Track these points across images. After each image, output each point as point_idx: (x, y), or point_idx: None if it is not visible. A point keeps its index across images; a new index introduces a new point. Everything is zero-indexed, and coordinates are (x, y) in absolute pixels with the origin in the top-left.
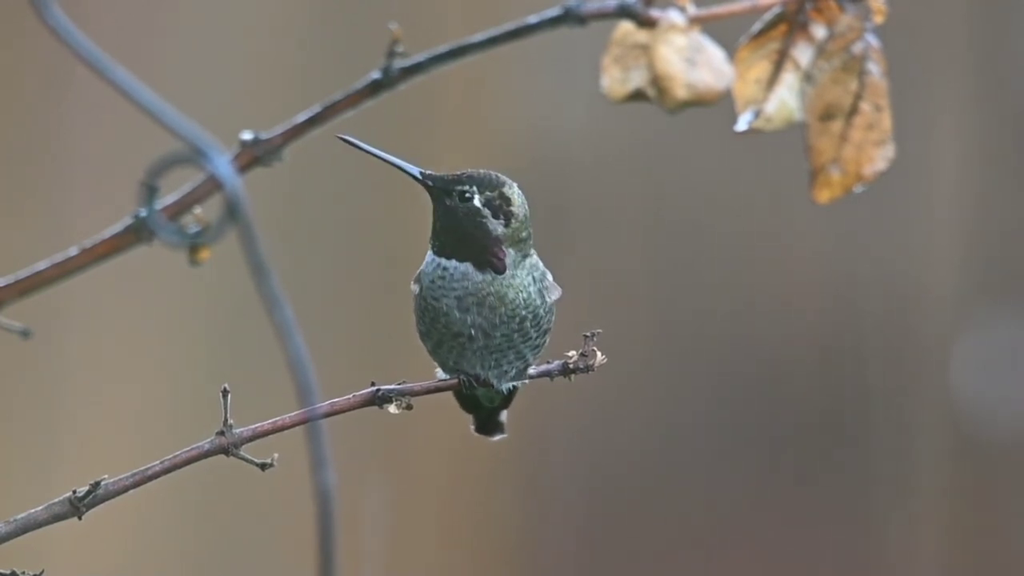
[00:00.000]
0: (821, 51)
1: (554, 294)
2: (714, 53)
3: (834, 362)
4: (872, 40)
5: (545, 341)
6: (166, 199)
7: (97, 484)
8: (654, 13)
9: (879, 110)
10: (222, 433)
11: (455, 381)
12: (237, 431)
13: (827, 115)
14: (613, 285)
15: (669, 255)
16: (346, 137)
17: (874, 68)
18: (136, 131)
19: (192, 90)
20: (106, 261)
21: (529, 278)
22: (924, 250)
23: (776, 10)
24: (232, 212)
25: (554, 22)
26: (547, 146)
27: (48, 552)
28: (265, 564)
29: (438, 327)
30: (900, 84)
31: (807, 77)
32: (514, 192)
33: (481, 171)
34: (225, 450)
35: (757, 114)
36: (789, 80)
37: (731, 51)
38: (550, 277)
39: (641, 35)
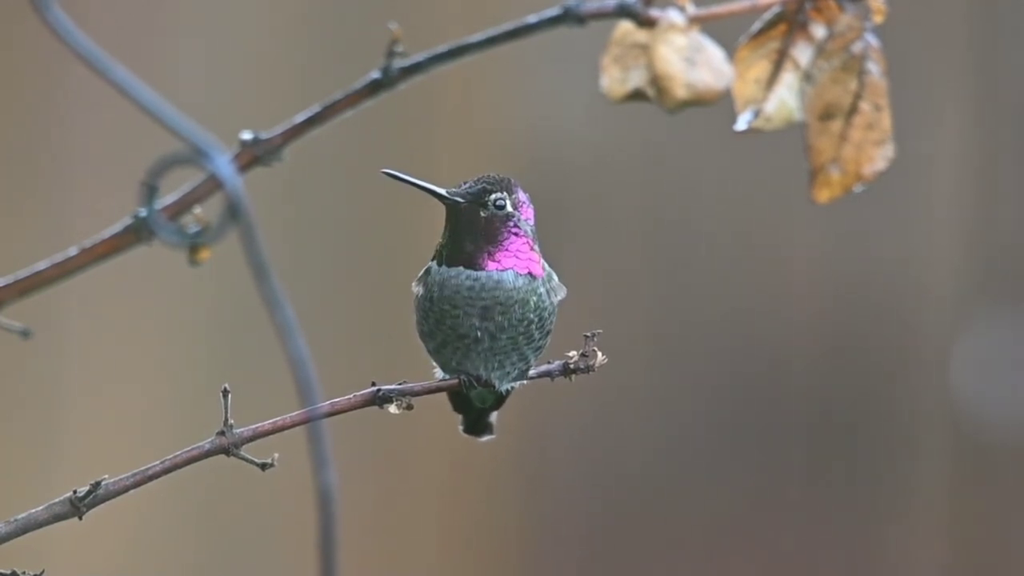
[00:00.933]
0: (821, 51)
1: (559, 295)
2: (714, 53)
3: (834, 362)
4: (872, 40)
5: (547, 342)
6: (166, 199)
7: (97, 484)
8: (654, 13)
9: (879, 110)
10: (222, 433)
11: (455, 381)
12: (237, 431)
13: (827, 115)
14: (613, 285)
15: (669, 255)
16: (391, 171)
17: (874, 68)
18: (136, 131)
19: (192, 90)
20: (106, 261)
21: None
22: (924, 250)
23: (776, 10)
24: (233, 212)
25: (553, 22)
26: (546, 146)
27: (48, 552)
28: (265, 564)
29: (443, 328)
30: (900, 84)
31: (807, 77)
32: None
33: (492, 176)
34: (225, 450)
35: (757, 114)
36: (789, 80)
37: (731, 51)
38: (556, 278)
39: (641, 35)
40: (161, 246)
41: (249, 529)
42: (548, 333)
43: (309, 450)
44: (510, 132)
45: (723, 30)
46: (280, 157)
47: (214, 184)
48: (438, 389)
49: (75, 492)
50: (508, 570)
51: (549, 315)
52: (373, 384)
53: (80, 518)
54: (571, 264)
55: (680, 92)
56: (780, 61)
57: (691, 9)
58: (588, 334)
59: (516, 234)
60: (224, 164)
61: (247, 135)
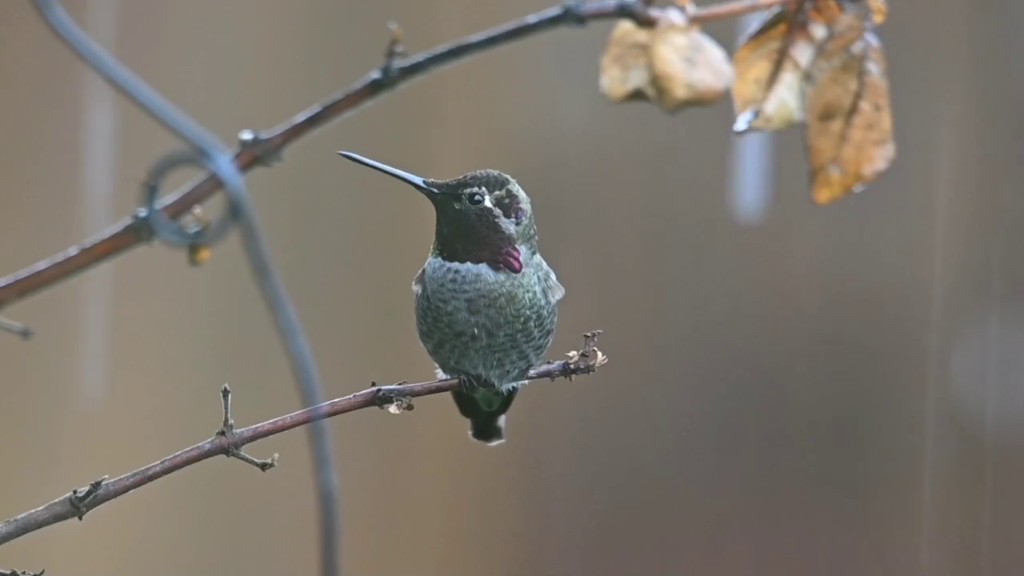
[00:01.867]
0: (821, 51)
1: (557, 294)
2: (714, 53)
3: (834, 362)
4: (872, 40)
5: (548, 342)
6: (167, 199)
7: (97, 484)
8: (654, 13)
9: (879, 110)
10: (223, 433)
11: (456, 381)
12: (238, 431)
13: (827, 115)
14: (613, 285)
15: (669, 255)
16: (347, 153)
17: (874, 68)
18: (137, 130)
19: (192, 90)
20: (106, 261)
21: (535, 277)
22: (924, 250)
23: (776, 10)
24: (235, 212)
25: (553, 22)
26: (546, 146)
27: (48, 552)
28: (266, 564)
29: (440, 327)
30: (900, 84)
31: (807, 77)
32: (518, 189)
33: (482, 171)
34: (225, 450)
35: (757, 114)
36: (788, 80)
37: (731, 51)
38: (553, 277)
39: (641, 35)
40: (161, 246)
41: (249, 529)
42: (549, 332)
43: (310, 450)
44: (510, 132)
45: (723, 30)
46: (280, 157)
47: (215, 184)
48: (438, 389)
49: (75, 492)
50: (508, 570)
51: (548, 314)
52: (373, 384)
53: (80, 518)
54: (571, 264)
55: (680, 92)
56: (780, 61)
57: (691, 9)
58: (588, 334)
59: (494, 229)
60: (225, 164)
61: (247, 135)
